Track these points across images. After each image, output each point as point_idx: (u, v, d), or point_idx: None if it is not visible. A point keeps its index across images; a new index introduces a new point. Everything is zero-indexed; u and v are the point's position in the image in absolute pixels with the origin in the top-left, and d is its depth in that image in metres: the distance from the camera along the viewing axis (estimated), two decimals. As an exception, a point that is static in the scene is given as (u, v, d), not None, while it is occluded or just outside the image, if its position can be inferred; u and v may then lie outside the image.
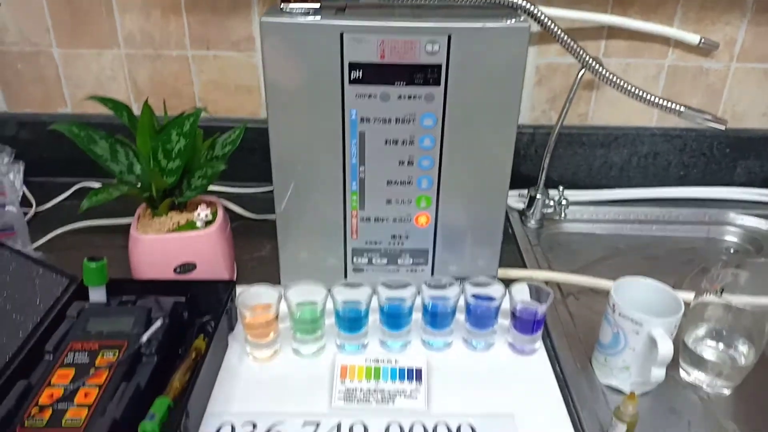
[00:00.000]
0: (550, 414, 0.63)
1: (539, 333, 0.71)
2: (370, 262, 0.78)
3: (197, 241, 0.73)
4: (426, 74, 0.66)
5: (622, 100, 1.05)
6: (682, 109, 0.79)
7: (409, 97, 0.67)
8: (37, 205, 1.00)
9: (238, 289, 0.70)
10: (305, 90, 0.67)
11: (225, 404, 0.63)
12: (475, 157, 0.71)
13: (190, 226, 0.74)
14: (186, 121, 0.71)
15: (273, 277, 0.78)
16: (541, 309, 0.69)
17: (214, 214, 0.76)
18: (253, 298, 0.68)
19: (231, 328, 0.72)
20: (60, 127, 0.69)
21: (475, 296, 0.71)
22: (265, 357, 0.69)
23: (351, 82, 0.66)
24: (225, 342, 0.70)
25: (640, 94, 0.79)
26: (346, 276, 0.79)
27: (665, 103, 0.79)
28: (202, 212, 0.74)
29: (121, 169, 0.73)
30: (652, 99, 0.78)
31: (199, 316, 0.70)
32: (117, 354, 0.59)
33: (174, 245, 0.72)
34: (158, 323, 0.62)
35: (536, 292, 0.71)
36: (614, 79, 0.78)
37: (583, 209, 1.05)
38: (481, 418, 0.62)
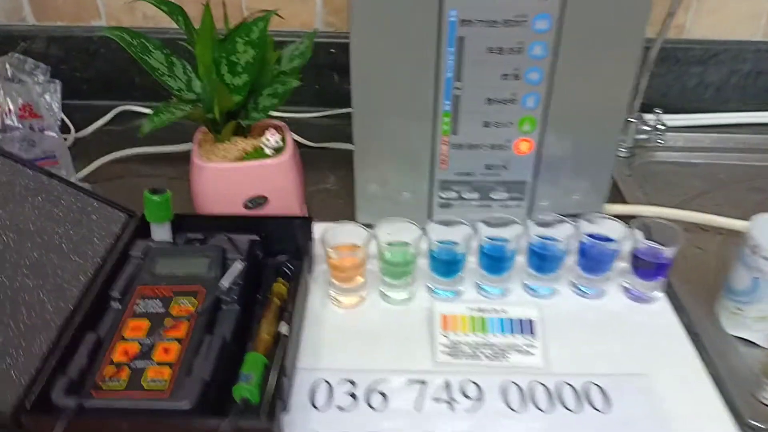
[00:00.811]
0: (685, 373, 0.55)
1: (663, 278, 0.62)
2: (459, 196, 0.69)
3: (270, 170, 0.63)
4: (544, -35, 0.54)
5: (725, 8, 0.93)
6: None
7: (521, -7, 0.56)
8: (76, 131, 0.90)
9: (320, 227, 0.61)
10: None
11: (314, 358, 0.55)
12: (594, 72, 0.61)
13: (259, 153, 0.64)
14: (254, 27, 0.60)
15: (344, 212, 0.70)
16: (669, 251, 0.60)
17: (283, 141, 0.67)
18: (337, 237, 0.60)
19: (309, 271, 0.64)
20: (110, 33, 0.58)
21: (591, 236, 0.61)
22: (352, 303, 0.61)
23: (453, -26, 0.55)
24: (305, 286, 0.62)
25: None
26: (430, 213, 0.69)
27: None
28: (272, 138, 0.65)
29: (179, 86, 0.62)
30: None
31: (272, 256, 0.62)
32: (194, 301, 0.51)
33: (244, 175, 0.63)
34: (238, 266, 0.54)
35: (647, 230, 0.61)
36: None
37: (676, 135, 0.94)
38: (610, 378, 0.54)
